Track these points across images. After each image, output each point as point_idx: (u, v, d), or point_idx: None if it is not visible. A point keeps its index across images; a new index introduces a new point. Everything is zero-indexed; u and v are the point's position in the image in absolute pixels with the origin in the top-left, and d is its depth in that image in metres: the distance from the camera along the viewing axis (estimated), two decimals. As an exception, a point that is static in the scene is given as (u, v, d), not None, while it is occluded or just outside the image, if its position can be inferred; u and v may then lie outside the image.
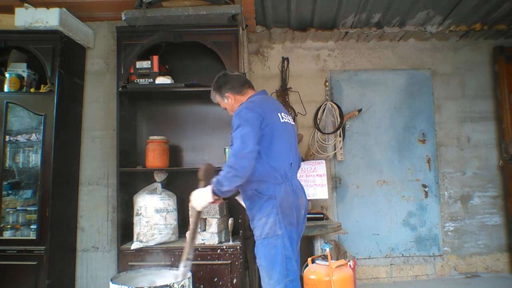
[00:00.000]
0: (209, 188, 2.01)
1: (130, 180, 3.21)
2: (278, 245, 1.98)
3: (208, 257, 2.82)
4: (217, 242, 2.85)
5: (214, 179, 2.00)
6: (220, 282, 2.80)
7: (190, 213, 2.91)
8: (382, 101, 4.19)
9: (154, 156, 3.03)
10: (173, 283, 2.01)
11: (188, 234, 2.21)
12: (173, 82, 3.07)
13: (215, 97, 2.33)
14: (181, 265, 2.12)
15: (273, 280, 1.96)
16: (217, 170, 2.09)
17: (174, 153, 3.27)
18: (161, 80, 3.02)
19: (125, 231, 3.02)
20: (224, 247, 2.84)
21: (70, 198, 3.27)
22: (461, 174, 4.16)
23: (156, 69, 3.04)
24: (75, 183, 3.35)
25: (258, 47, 4.17)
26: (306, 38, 4.11)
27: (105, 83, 3.48)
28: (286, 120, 2.18)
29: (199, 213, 2.13)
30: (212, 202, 2.09)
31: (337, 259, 2.63)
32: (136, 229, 2.91)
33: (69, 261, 3.23)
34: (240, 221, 2.94)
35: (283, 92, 4.06)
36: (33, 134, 3.05)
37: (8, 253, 2.84)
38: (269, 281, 1.98)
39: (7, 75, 3.06)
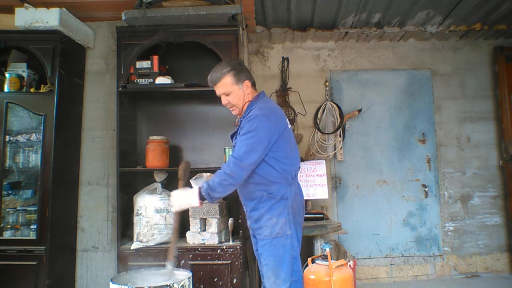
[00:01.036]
0: (195, 192, 1.95)
1: (130, 180, 3.21)
2: (287, 245, 1.98)
3: (208, 257, 2.82)
4: (217, 242, 2.85)
5: (204, 184, 1.95)
6: (220, 282, 2.80)
7: (190, 213, 2.91)
8: (382, 101, 4.19)
9: (154, 156, 3.03)
10: (173, 283, 2.00)
11: (173, 233, 2.23)
12: (173, 82, 3.07)
13: (227, 77, 2.05)
14: (169, 263, 2.14)
15: (280, 279, 1.96)
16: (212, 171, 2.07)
17: (174, 153, 3.27)
18: (161, 80, 3.02)
19: (125, 231, 3.02)
20: (224, 247, 2.84)
21: (70, 198, 3.27)
22: (461, 174, 4.17)
23: (156, 69, 3.03)
24: (75, 183, 3.34)
25: (258, 47, 4.17)
26: (306, 38, 4.11)
27: (105, 83, 3.48)
28: (290, 125, 2.18)
29: (178, 213, 2.11)
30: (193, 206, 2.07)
31: (337, 259, 2.63)
32: (136, 229, 2.91)
33: (69, 261, 3.23)
34: (240, 221, 2.94)
35: (283, 92, 4.06)
36: (33, 134, 3.05)
37: (8, 253, 2.83)
38: (276, 281, 1.96)
39: (7, 75, 3.06)
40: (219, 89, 2.09)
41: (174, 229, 2.17)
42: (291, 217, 2.00)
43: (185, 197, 1.99)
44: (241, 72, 2.08)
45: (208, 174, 2.31)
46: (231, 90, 2.07)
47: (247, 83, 2.09)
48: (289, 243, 1.98)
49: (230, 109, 2.15)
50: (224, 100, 2.11)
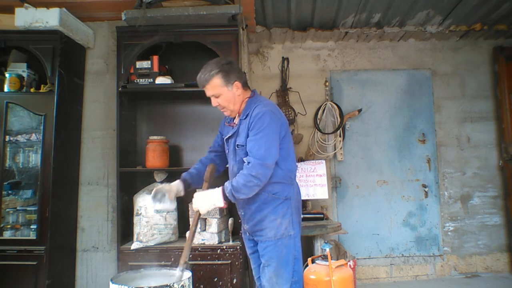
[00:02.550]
0: (219, 193, 1.93)
1: (130, 180, 3.21)
2: (290, 246, 1.98)
3: (208, 257, 2.82)
4: (217, 242, 2.85)
5: (227, 185, 1.91)
6: (220, 282, 2.80)
7: (190, 213, 2.91)
8: (382, 101, 4.19)
9: (154, 156, 3.03)
10: (173, 283, 2.00)
11: (187, 236, 2.10)
12: (173, 82, 3.07)
13: (216, 79, 1.97)
14: (179, 269, 2.02)
15: (282, 279, 1.96)
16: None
17: (174, 153, 3.27)
18: (161, 80, 3.02)
19: (125, 231, 3.02)
20: (224, 247, 2.84)
21: (70, 198, 3.27)
22: (461, 174, 4.16)
23: (156, 69, 3.04)
24: (75, 183, 3.34)
25: (258, 47, 4.17)
26: (306, 38, 4.11)
27: (105, 83, 3.48)
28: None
29: (200, 215, 2.04)
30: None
31: (337, 259, 2.63)
32: (136, 229, 2.91)
33: (69, 261, 3.23)
34: (240, 221, 2.94)
35: (283, 92, 4.06)
36: (33, 134, 3.05)
37: (8, 253, 2.84)
38: (278, 281, 1.96)
39: (7, 75, 3.06)
40: (208, 91, 2.04)
41: (191, 232, 2.02)
42: (294, 217, 2.01)
43: (210, 198, 1.95)
44: (230, 73, 2.00)
45: (163, 185, 2.15)
46: (220, 92, 2.01)
47: (237, 84, 2.02)
48: (292, 243, 1.99)
49: (221, 110, 2.11)
50: (214, 102, 2.05)
